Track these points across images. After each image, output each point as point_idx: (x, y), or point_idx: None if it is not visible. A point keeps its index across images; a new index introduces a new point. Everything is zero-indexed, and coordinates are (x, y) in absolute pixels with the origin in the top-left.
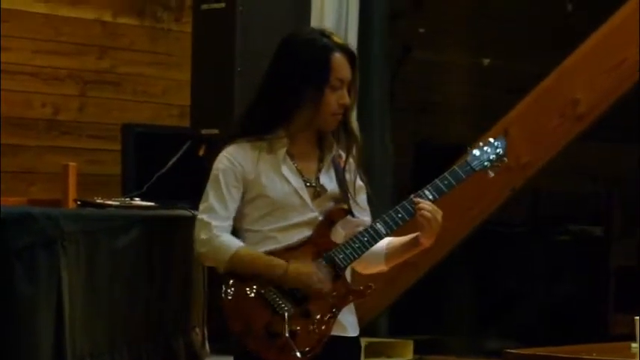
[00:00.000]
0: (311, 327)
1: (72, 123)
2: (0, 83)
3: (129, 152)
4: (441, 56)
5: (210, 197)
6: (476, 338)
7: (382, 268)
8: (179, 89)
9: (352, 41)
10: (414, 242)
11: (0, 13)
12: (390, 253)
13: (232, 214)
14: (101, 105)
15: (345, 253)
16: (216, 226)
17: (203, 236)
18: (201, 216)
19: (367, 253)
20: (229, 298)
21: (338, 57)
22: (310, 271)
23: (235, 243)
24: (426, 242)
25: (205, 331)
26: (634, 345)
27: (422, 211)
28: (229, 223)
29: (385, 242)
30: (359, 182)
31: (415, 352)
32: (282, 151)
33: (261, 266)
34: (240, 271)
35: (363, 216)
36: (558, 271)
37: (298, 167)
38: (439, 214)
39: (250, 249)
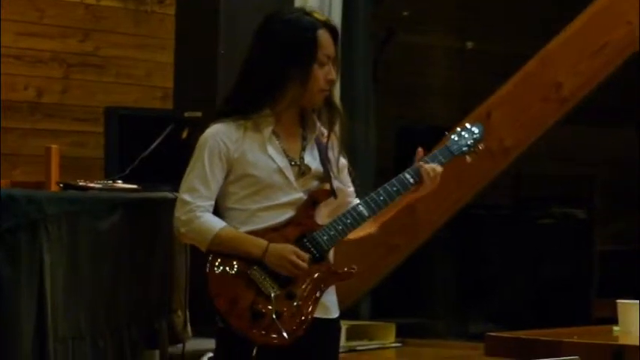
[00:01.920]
0: (295, 308)
1: (55, 106)
2: None
3: (112, 135)
4: (424, 39)
5: (192, 176)
6: (458, 321)
7: (371, 229)
8: (162, 72)
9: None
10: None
11: None
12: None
13: (214, 193)
14: (84, 87)
15: (329, 235)
16: (198, 206)
17: (183, 217)
18: (183, 195)
19: None
20: (215, 276)
21: (323, 33)
22: (290, 250)
23: (217, 223)
24: (413, 195)
25: (187, 314)
26: (616, 328)
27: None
28: (211, 203)
29: None
30: (342, 161)
31: (397, 335)
32: (268, 130)
33: (241, 246)
34: (222, 251)
35: (348, 195)
36: (541, 254)
37: (283, 146)
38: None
39: (232, 229)
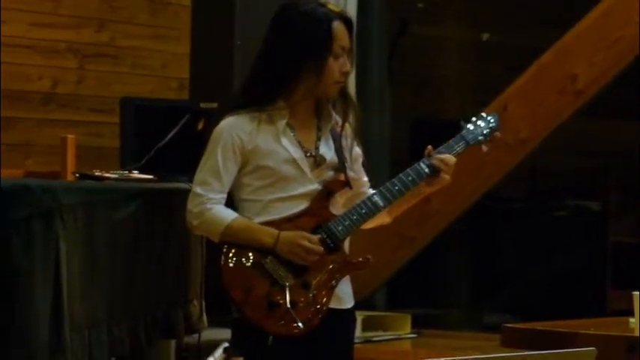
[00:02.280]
0: (310, 298)
1: (70, 96)
2: None
3: (128, 125)
4: (439, 31)
5: (205, 169)
6: (473, 313)
7: (385, 220)
8: (178, 62)
9: (351, 15)
10: (419, 188)
11: None
12: (393, 206)
13: (227, 187)
14: (100, 78)
15: (343, 225)
16: (209, 198)
17: (195, 209)
18: (195, 188)
19: None
20: (230, 266)
21: (338, 25)
22: (301, 235)
23: (228, 215)
24: (428, 188)
25: (203, 304)
26: (632, 320)
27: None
28: (223, 196)
29: None
30: (357, 150)
31: (413, 326)
32: (282, 123)
33: (253, 235)
34: (235, 242)
35: (362, 185)
36: (556, 246)
37: (297, 138)
38: (452, 162)
39: (244, 219)
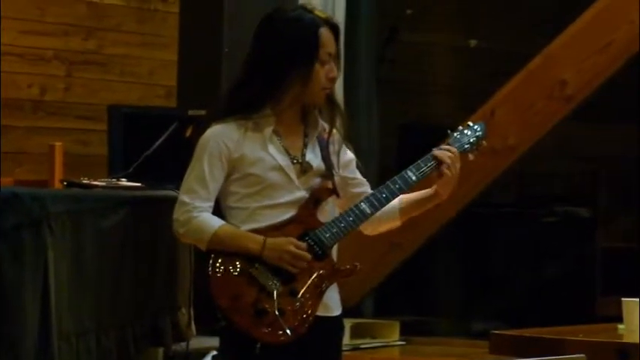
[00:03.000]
0: (297, 305)
1: (58, 104)
2: None
3: (115, 133)
4: (428, 38)
5: (192, 177)
6: (462, 320)
7: (396, 223)
8: (166, 70)
9: (339, 22)
10: (431, 195)
11: None
12: (405, 208)
13: (213, 194)
14: (88, 85)
15: (331, 232)
16: (196, 207)
17: (181, 217)
18: (182, 196)
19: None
20: (217, 275)
21: (324, 31)
22: (287, 241)
23: (215, 223)
24: (444, 193)
25: (191, 312)
26: (621, 326)
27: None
28: (209, 204)
29: (397, 198)
30: (349, 154)
31: (401, 333)
32: (269, 130)
33: (239, 243)
34: (221, 249)
35: (361, 187)
36: (545, 252)
37: (284, 145)
38: (458, 163)
39: (230, 226)
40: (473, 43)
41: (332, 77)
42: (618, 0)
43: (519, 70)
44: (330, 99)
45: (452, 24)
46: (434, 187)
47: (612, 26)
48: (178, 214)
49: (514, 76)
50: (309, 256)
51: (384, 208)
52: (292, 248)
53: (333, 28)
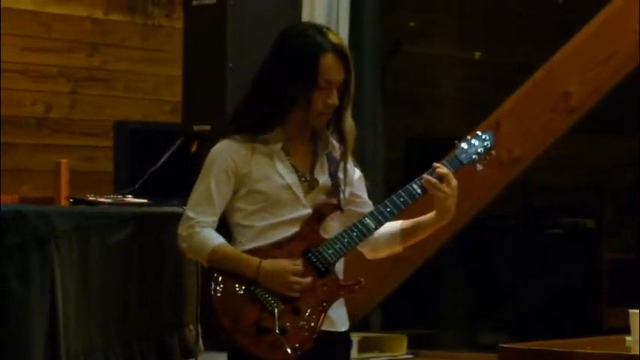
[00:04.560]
0: (301, 323)
1: (63, 120)
2: None
3: (121, 149)
4: (432, 50)
5: (198, 192)
6: (469, 332)
7: (397, 249)
8: (170, 85)
9: (343, 35)
10: (432, 219)
11: None
12: (406, 234)
13: (219, 210)
14: (92, 102)
15: (334, 248)
16: (198, 222)
17: (184, 232)
18: (187, 211)
19: (377, 235)
20: (218, 295)
21: (328, 58)
22: (284, 269)
23: (213, 240)
24: (444, 219)
25: (199, 328)
26: (628, 338)
27: (434, 188)
28: (214, 219)
29: (398, 223)
30: (357, 172)
31: (409, 346)
32: (277, 148)
33: (234, 266)
34: (220, 269)
35: (364, 208)
36: (551, 264)
37: (292, 163)
38: (452, 185)
39: (228, 247)
40: (477, 55)
41: (330, 104)
42: (621, 11)
43: (524, 81)
44: (339, 128)
45: (455, 36)
46: (434, 212)
47: (615, 37)
48: (182, 229)
49: (519, 87)
50: (306, 281)
51: (383, 232)
52: (289, 277)
53: (341, 55)
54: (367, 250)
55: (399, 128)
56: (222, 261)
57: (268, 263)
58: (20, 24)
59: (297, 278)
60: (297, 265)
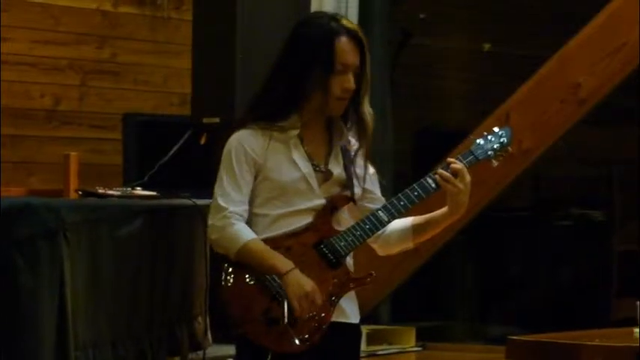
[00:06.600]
0: (310, 315)
1: (72, 113)
2: None
3: (130, 142)
4: (441, 42)
5: (224, 182)
6: (478, 324)
7: (409, 245)
8: (180, 78)
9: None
10: (444, 214)
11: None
12: (418, 230)
13: (247, 197)
14: (102, 95)
15: (346, 240)
16: (232, 211)
17: (218, 223)
18: (217, 201)
19: (389, 232)
20: (229, 285)
21: (343, 41)
22: (307, 291)
23: (245, 235)
24: (456, 214)
25: (208, 320)
26: (637, 330)
27: (447, 183)
28: (244, 208)
29: (410, 219)
30: (371, 169)
31: (417, 339)
32: (294, 136)
33: (264, 263)
34: (247, 263)
35: (375, 204)
36: (560, 256)
37: (308, 151)
38: (466, 181)
39: (259, 243)
40: (487, 46)
41: (346, 88)
42: (630, 2)
43: (533, 73)
44: (358, 114)
45: (465, 28)
46: (446, 206)
47: (625, 29)
48: (215, 219)
49: (528, 79)
50: (314, 306)
51: (395, 228)
52: (310, 294)
53: (356, 39)
54: (379, 246)
55: (409, 120)
56: (252, 257)
57: (303, 276)
58: (30, 17)
59: (312, 298)
60: (321, 295)
